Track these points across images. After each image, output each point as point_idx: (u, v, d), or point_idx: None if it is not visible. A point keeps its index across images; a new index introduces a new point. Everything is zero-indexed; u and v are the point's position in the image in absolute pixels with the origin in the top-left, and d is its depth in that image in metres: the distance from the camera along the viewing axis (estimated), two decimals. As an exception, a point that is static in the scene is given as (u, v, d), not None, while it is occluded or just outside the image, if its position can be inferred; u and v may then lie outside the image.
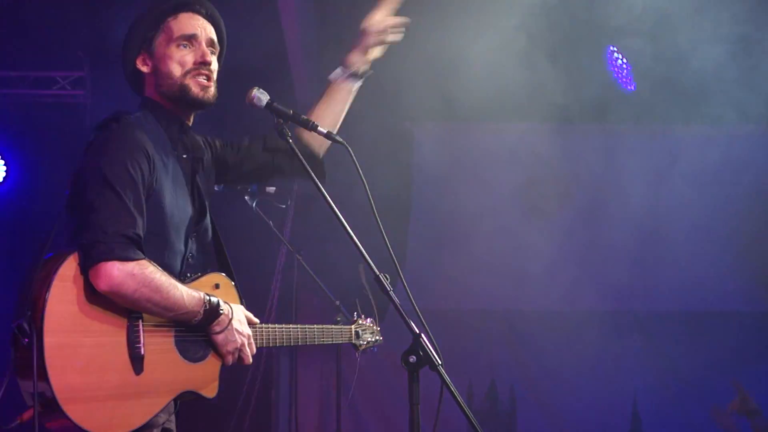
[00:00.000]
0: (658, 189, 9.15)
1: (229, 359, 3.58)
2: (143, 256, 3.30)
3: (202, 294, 3.46)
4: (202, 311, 3.44)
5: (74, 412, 3.17)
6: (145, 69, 3.68)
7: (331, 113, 4.12)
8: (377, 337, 4.33)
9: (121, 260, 3.22)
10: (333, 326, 4.18)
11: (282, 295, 8.47)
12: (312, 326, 3.99)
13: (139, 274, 3.25)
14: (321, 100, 4.15)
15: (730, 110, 8.17)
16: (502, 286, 9.22)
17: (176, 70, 3.64)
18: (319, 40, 8.21)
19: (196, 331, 3.50)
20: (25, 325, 3.16)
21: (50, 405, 3.16)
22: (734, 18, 7.37)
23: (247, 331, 3.62)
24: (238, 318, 3.58)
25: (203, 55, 3.68)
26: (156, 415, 3.38)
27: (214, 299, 3.48)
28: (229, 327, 3.53)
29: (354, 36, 4.18)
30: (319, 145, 4.12)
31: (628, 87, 8.34)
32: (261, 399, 8.86)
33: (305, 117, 3.75)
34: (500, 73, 7.72)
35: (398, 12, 4.19)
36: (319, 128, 3.70)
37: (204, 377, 3.53)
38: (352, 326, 4.26)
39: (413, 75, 7.55)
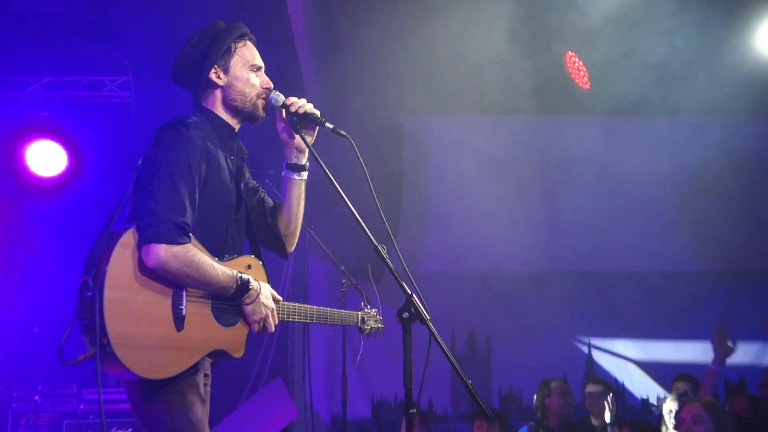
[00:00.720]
0: (614, 168, 9.13)
1: (255, 327, 3.60)
2: (188, 241, 3.34)
3: (235, 272, 3.49)
4: (234, 286, 3.47)
5: (124, 356, 3.20)
6: (219, 81, 3.68)
7: (287, 212, 3.93)
8: (379, 325, 4.26)
9: (168, 243, 3.26)
10: (343, 311, 4.13)
11: (296, 261, 8.49)
12: (326, 309, 3.97)
13: (182, 255, 3.30)
14: (280, 202, 3.97)
15: (679, 101, 8.20)
16: (479, 252, 9.25)
17: (251, 91, 3.70)
18: (327, 44, 8.19)
19: (230, 302, 3.54)
20: (90, 281, 3.22)
21: (105, 349, 3.19)
22: (693, 17, 7.38)
23: (272, 305, 3.63)
24: (265, 294, 3.60)
25: (269, 82, 3.77)
26: (197, 361, 3.43)
27: (245, 277, 3.52)
28: (257, 300, 3.56)
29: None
30: (284, 228, 3.96)
31: (584, 86, 8.32)
32: (279, 347, 8.91)
33: (316, 115, 3.76)
34: (478, 72, 7.73)
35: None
36: (327, 124, 3.71)
37: (233, 340, 3.56)
38: (360, 313, 4.23)
39: (403, 75, 7.54)
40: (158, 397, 3.35)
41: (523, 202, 9.21)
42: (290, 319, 3.82)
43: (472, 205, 9.02)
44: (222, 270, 3.45)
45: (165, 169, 3.37)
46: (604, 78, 8.24)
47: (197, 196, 3.44)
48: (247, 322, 3.60)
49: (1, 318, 8.33)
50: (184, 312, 3.36)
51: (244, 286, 3.51)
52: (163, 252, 3.26)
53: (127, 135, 7.99)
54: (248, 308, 3.57)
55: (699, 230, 9.21)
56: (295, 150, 3.88)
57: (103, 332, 3.17)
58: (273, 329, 3.66)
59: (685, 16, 7.36)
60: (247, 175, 3.95)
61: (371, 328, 4.25)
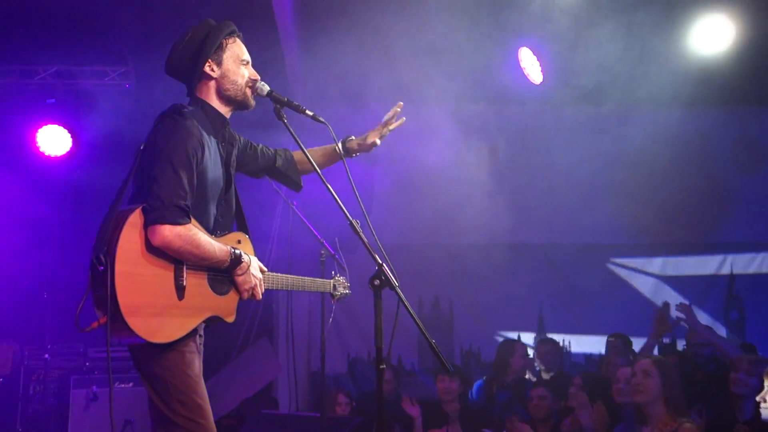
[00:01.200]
0: (565, 151, 9.16)
1: (245, 295, 3.66)
2: (189, 221, 3.38)
3: (229, 247, 3.55)
4: (228, 260, 3.53)
5: (133, 322, 3.24)
6: (213, 74, 3.69)
7: (314, 163, 3.91)
8: (347, 291, 4.36)
9: (171, 224, 3.31)
10: (318, 279, 4.21)
11: (280, 235, 8.50)
12: (305, 278, 4.04)
13: (185, 235, 3.34)
14: (321, 151, 4.19)
15: (615, 95, 8.26)
16: (443, 225, 9.28)
17: (241, 82, 3.73)
18: (308, 37, 8.15)
19: (223, 273, 3.59)
20: (102, 257, 3.24)
21: (116, 317, 3.22)
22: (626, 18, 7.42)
23: (259, 276, 3.69)
24: (254, 266, 3.67)
25: (256, 74, 3.80)
26: (196, 326, 3.48)
27: (237, 251, 3.57)
28: (247, 272, 3.62)
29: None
30: (306, 171, 4.22)
31: (536, 81, 8.32)
32: (265, 311, 8.93)
33: (296, 104, 3.77)
34: (439, 62, 7.73)
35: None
36: (306, 111, 3.76)
37: (226, 307, 3.61)
38: (331, 281, 4.31)
39: (374, 65, 7.52)
40: (160, 357, 3.41)
41: (483, 181, 9.22)
42: (274, 288, 3.87)
43: (437, 184, 9.03)
44: (218, 246, 3.51)
45: (166, 157, 3.39)
46: (555, 70, 8.28)
47: (195, 181, 3.46)
48: (238, 291, 3.65)
49: (15, 285, 8.32)
50: (184, 283, 3.41)
51: (237, 260, 3.57)
52: (168, 232, 3.30)
53: (126, 120, 7.95)
54: (240, 279, 3.62)
55: (638, 207, 9.31)
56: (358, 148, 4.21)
57: (115, 302, 3.21)
58: (260, 297, 3.72)
59: (619, 17, 7.41)
60: (243, 141, 4.00)
61: (341, 293, 4.34)
